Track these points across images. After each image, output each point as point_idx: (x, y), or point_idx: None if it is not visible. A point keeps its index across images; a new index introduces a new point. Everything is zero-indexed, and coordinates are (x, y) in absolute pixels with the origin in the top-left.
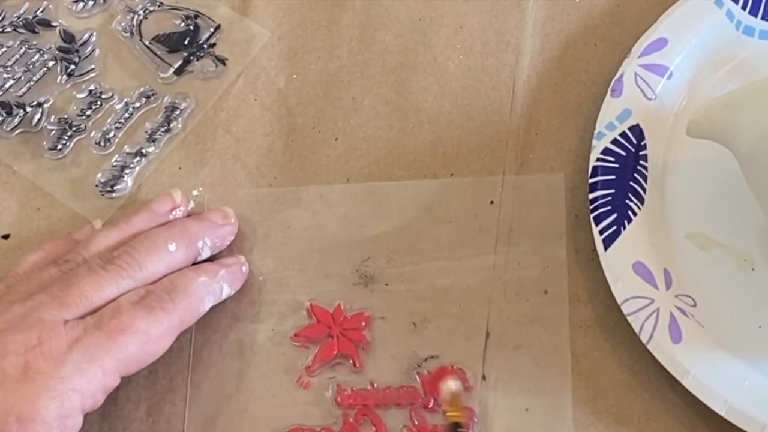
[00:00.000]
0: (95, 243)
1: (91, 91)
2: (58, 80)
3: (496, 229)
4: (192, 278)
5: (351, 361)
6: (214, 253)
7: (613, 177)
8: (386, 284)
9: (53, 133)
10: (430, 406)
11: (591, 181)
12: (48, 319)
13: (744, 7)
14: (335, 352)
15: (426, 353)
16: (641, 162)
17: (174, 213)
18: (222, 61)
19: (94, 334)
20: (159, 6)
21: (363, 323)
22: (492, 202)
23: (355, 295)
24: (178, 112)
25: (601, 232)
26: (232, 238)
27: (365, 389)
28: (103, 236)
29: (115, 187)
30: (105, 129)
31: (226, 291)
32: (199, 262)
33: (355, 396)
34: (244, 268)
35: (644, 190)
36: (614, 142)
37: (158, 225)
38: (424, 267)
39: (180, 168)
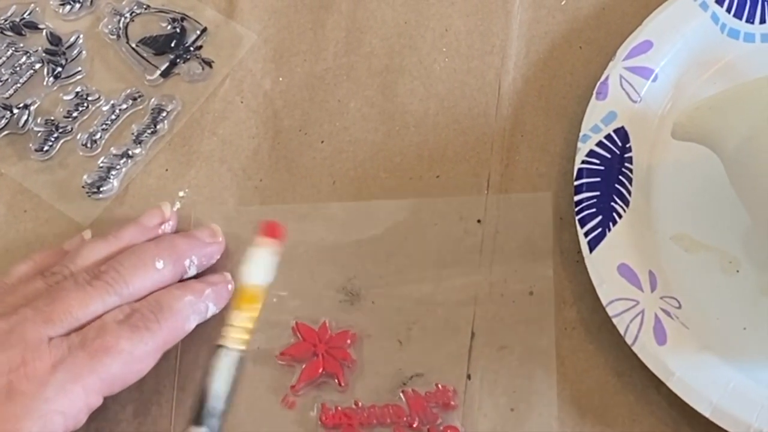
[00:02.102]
0: (83, 256)
1: (77, 93)
2: (45, 82)
3: (482, 248)
4: (178, 297)
5: (336, 380)
6: (200, 271)
7: (598, 179)
8: (372, 302)
9: (40, 134)
10: (415, 425)
11: (576, 183)
12: (32, 337)
13: (729, 10)
14: (320, 371)
15: (411, 371)
16: (626, 164)
17: (163, 227)
18: (208, 63)
19: (77, 354)
20: (145, 9)
21: (348, 341)
22: (479, 221)
23: (340, 312)
24: (164, 114)
25: (586, 234)
26: (219, 256)
27: (350, 408)
28: (90, 249)
29: (101, 189)
30: (91, 131)
31: (212, 310)
32: (185, 279)
33: (340, 415)
34: (230, 286)
35: (629, 193)
36: (599, 144)
37: (147, 240)
38: (411, 285)
39: (166, 170)
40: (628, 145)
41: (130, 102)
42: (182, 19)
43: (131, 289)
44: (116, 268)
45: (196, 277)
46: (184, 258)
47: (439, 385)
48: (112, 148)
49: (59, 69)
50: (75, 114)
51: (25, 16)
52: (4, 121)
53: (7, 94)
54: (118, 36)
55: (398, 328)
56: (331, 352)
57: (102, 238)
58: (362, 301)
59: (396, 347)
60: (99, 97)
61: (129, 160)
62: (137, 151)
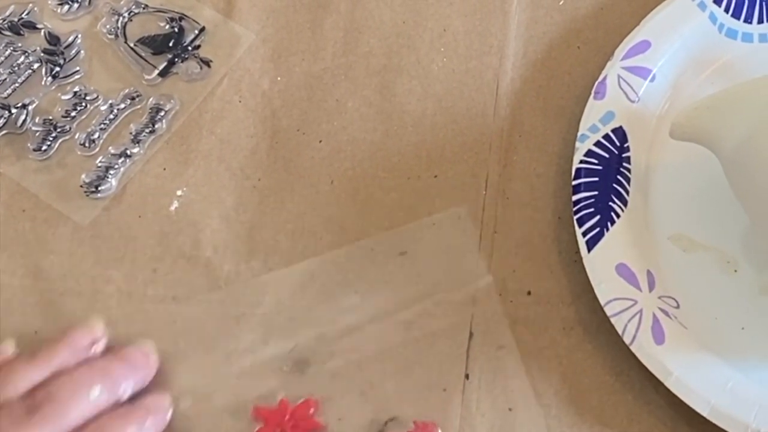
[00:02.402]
0: (14, 382)
1: (75, 92)
2: (43, 82)
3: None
4: (119, 428)
5: None
6: (134, 392)
7: (597, 179)
8: (323, 363)
9: (38, 134)
10: None
11: (574, 183)
12: None
13: (727, 10)
14: None
15: (385, 416)
16: (624, 164)
17: (94, 347)
18: (206, 63)
19: None
20: (144, 8)
21: (312, 410)
22: (404, 253)
23: (294, 384)
24: (162, 113)
25: (584, 234)
26: (151, 378)
27: None
28: (21, 375)
29: (99, 188)
30: (90, 130)
31: None
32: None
33: None
34: (168, 414)
35: (627, 192)
36: (597, 144)
37: (79, 362)
38: (353, 335)
39: (164, 169)
40: (626, 145)
41: (129, 101)
42: (180, 19)
43: (69, 420)
44: (53, 399)
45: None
46: (119, 384)
47: (417, 422)
48: (110, 148)
49: (57, 69)
50: (73, 114)
51: (23, 15)
52: (2, 121)
53: (5, 94)
54: (117, 36)
55: (357, 379)
56: (298, 425)
57: (32, 359)
58: (312, 365)
59: (360, 400)
60: (97, 96)
61: (127, 160)
62: (135, 150)
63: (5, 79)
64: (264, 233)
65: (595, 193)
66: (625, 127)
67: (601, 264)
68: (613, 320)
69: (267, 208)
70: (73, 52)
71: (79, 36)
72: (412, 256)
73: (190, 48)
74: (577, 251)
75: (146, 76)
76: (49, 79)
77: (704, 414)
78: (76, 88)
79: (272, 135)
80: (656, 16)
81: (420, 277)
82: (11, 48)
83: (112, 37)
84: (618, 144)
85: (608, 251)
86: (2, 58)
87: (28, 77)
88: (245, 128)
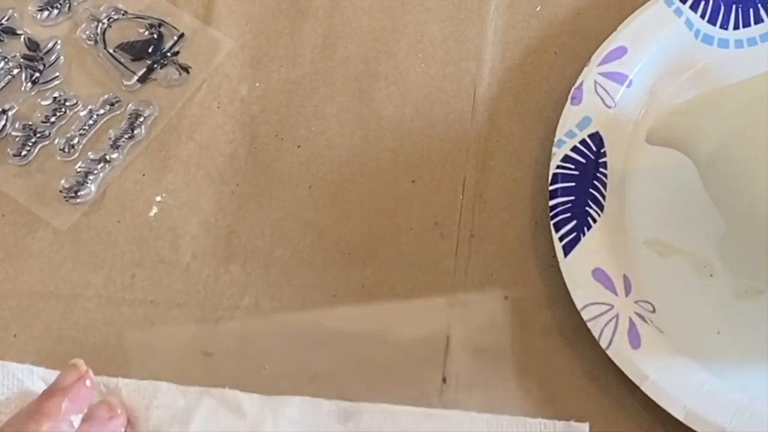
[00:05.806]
0: None
1: (55, 98)
2: (23, 87)
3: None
4: None
5: None
6: None
7: (573, 184)
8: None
9: (18, 139)
10: None
11: (551, 188)
12: None
13: (703, 16)
14: None
15: None
16: (601, 169)
17: (81, 382)
18: (185, 69)
19: None
20: (123, 15)
21: None
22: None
23: None
24: (141, 119)
25: (561, 239)
26: (123, 429)
27: None
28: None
29: (79, 193)
30: (69, 135)
31: None
32: None
33: None
34: None
35: (604, 197)
36: (574, 149)
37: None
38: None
39: (143, 175)
40: (602, 150)
41: (108, 107)
42: (159, 25)
43: None
44: None
45: None
46: None
47: None
48: (89, 153)
49: (37, 74)
50: (53, 119)
51: (3, 21)
52: None
53: None
54: (96, 41)
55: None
56: None
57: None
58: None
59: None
60: (77, 102)
61: (106, 165)
62: (115, 155)
63: None
64: (242, 238)
65: (572, 198)
66: (601, 133)
67: (577, 269)
68: (589, 324)
69: (245, 213)
70: (53, 57)
71: (59, 42)
72: (390, 259)
73: (169, 54)
74: (554, 256)
75: (125, 82)
76: (29, 84)
77: (680, 418)
78: (56, 94)
79: (251, 141)
80: (633, 21)
81: (397, 281)
82: None
83: (92, 43)
84: (594, 149)
85: (585, 256)
86: None
87: (7, 83)
88: (224, 134)
